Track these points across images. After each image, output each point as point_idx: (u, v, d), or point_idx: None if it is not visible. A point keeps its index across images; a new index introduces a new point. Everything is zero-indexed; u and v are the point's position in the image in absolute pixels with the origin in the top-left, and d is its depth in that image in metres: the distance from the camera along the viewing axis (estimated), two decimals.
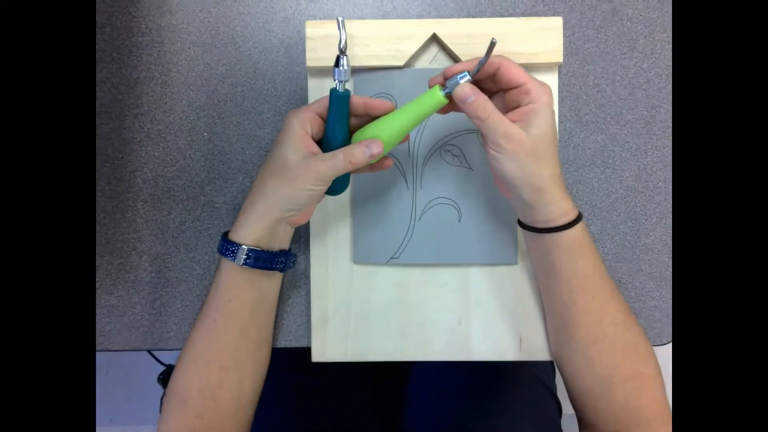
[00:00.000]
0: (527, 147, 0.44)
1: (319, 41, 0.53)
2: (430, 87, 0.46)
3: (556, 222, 0.47)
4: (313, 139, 0.47)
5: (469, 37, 0.53)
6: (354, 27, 0.53)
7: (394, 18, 0.58)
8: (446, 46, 0.54)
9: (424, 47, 0.55)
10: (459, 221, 0.55)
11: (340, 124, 0.47)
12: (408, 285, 0.56)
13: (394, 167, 0.55)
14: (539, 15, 0.57)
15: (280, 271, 0.51)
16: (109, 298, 0.57)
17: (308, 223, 0.55)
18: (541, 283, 0.53)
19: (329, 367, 0.57)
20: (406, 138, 0.49)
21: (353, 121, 0.48)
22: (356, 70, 0.55)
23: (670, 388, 0.46)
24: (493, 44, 0.43)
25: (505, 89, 0.47)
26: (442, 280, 0.56)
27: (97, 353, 0.56)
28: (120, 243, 0.58)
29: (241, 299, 0.50)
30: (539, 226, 0.48)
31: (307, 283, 0.57)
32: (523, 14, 0.57)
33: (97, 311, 0.57)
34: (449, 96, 0.45)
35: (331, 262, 0.56)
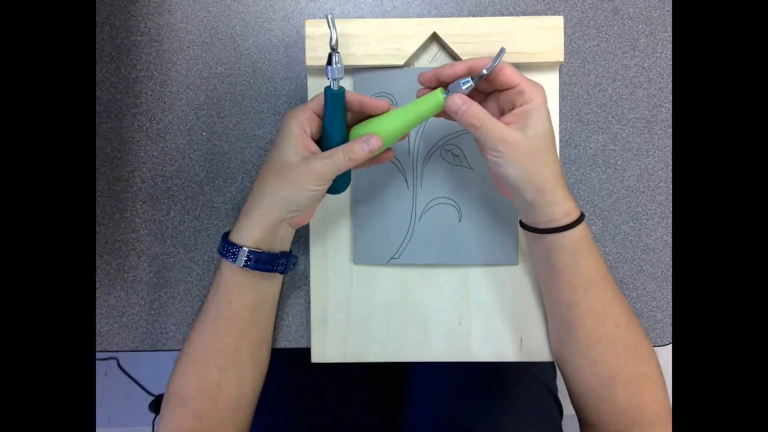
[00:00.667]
0: (525, 148, 0.44)
1: (319, 40, 0.52)
2: (420, 82, 0.46)
3: (558, 222, 0.47)
4: (312, 138, 0.47)
5: (469, 36, 0.53)
6: (354, 26, 0.52)
7: (394, 17, 0.58)
8: (446, 45, 0.53)
9: (425, 46, 0.55)
10: (459, 221, 0.55)
11: (337, 122, 0.47)
12: (408, 285, 0.56)
13: (394, 167, 0.55)
14: (540, 14, 0.57)
15: (281, 273, 0.51)
16: (107, 299, 0.57)
17: (308, 223, 0.55)
18: (542, 284, 0.53)
19: (329, 368, 0.57)
20: (405, 135, 0.49)
21: (350, 117, 0.48)
22: (356, 70, 0.54)
23: (670, 389, 0.46)
24: (502, 51, 0.43)
25: (500, 90, 0.47)
26: (442, 281, 0.56)
27: (96, 353, 0.56)
28: (119, 243, 0.57)
29: (241, 301, 0.49)
30: (541, 226, 0.48)
31: (307, 284, 0.57)
32: (524, 13, 0.57)
33: (96, 311, 0.57)
34: None
35: (331, 262, 0.56)
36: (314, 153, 0.46)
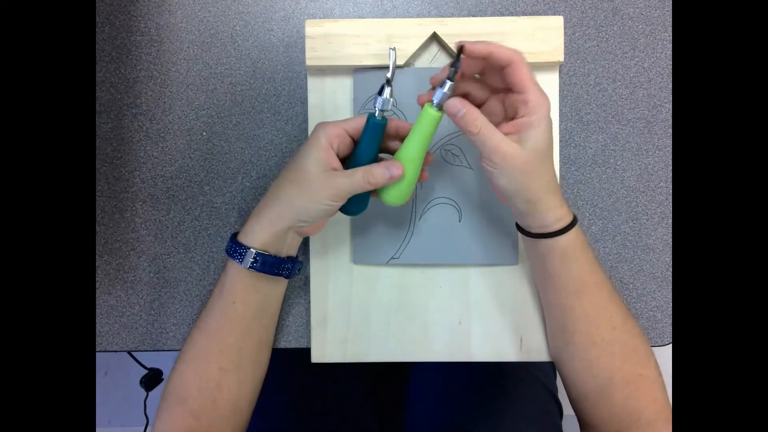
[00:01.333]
0: (519, 161, 0.44)
1: (319, 40, 0.52)
2: (419, 104, 0.46)
3: (551, 228, 0.47)
4: (338, 155, 0.47)
5: (469, 36, 0.53)
6: (354, 26, 0.52)
7: (394, 17, 0.58)
8: (447, 45, 0.53)
9: (425, 46, 0.55)
10: (459, 221, 0.55)
11: (371, 149, 0.47)
12: (408, 285, 0.56)
13: None
14: (540, 14, 0.57)
15: (286, 277, 0.51)
16: (107, 299, 0.57)
17: None
18: (539, 287, 0.53)
19: (329, 368, 0.57)
20: (431, 156, 0.49)
21: (385, 143, 0.49)
22: (356, 70, 0.54)
23: (670, 389, 0.46)
24: (461, 49, 0.43)
25: (507, 91, 0.46)
26: (442, 281, 0.56)
27: (96, 353, 0.56)
28: (118, 243, 0.57)
29: (245, 302, 0.49)
30: (534, 231, 0.48)
31: (307, 284, 0.57)
32: (524, 13, 0.57)
33: (96, 311, 0.57)
34: (441, 107, 0.45)
35: (331, 262, 0.56)
36: (336, 169, 0.46)
